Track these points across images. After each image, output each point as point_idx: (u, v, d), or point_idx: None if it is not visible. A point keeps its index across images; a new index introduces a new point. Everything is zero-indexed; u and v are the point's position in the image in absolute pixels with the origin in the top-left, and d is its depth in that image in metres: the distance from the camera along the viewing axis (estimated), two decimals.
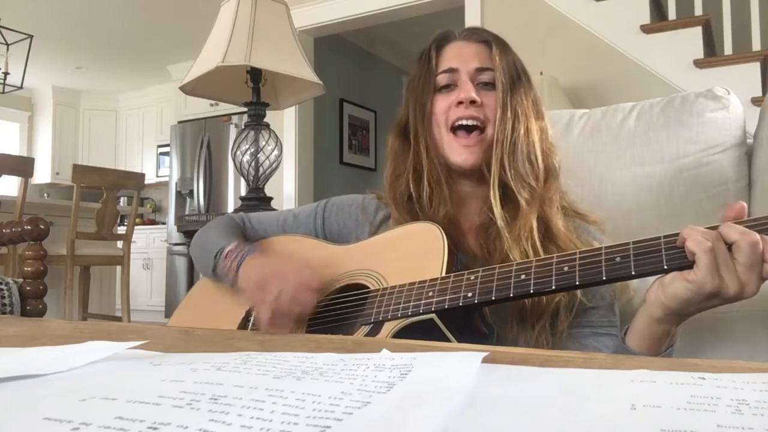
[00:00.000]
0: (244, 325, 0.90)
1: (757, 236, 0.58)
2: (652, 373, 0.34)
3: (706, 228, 0.61)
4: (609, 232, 0.89)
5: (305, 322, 0.83)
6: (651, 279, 0.66)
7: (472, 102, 0.85)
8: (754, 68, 2.52)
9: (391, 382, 0.31)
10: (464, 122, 0.86)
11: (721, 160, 1.14)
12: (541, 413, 0.27)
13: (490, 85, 0.88)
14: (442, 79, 0.89)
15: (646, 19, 2.79)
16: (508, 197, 0.85)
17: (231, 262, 0.88)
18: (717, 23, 2.76)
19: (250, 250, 0.89)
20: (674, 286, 0.61)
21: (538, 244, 0.81)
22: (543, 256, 0.71)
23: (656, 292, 0.64)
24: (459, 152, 0.86)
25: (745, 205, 0.63)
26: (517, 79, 0.88)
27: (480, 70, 0.87)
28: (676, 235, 0.62)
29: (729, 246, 0.59)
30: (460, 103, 0.86)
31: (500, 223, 0.82)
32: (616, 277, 0.64)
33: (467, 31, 0.93)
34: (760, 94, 2.40)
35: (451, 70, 0.88)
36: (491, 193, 0.84)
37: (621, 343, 0.71)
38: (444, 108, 0.87)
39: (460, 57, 0.89)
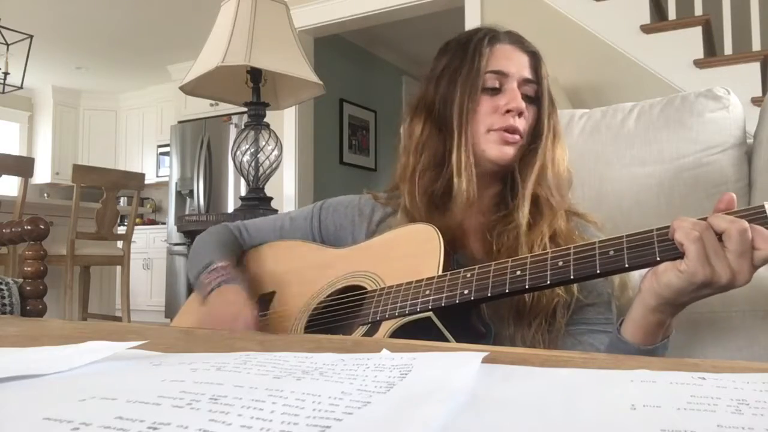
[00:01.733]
0: None
1: (746, 224, 0.59)
2: (652, 373, 0.34)
3: (697, 219, 0.62)
4: (609, 231, 0.89)
5: (309, 309, 0.85)
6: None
7: (519, 114, 0.85)
8: (754, 68, 2.52)
9: (391, 382, 0.31)
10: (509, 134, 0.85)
11: (721, 160, 1.14)
12: (541, 413, 0.27)
13: (531, 99, 0.87)
14: (490, 79, 0.86)
15: (646, 19, 2.79)
16: (531, 203, 0.86)
17: (212, 280, 0.89)
18: (717, 23, 2.76)
19: (230, 280, 0.88)
20: (667, 275, 0.62)
21: (548, 247, 0.81)
22: (538, 252, 0.71)
23: (650, 281, 0.65)
24: (500, 147, 0.85)
25: (734, 196, 0.64)
26: (553, 98, 0.90)
27: (528, 81, 0.87)
28: (668, 227, 0.63)
29: (719, 235, 0.60)
30: (508, 111, 0.84)
31: (523, 228, 0.82)
32: (610, 270, 0.65)
33: (516, 36, 0.91)
34: (760, 94, 2.40)
35: (502, 73, 0.86)
36: (523, 198, 0.84)
37: (616, 333, 0.71)
38: (489, 110, 0.85)
39: (510, 61, 0.87)
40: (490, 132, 0.85)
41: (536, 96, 0.87)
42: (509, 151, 0.85)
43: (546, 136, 0.86)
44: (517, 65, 0.87)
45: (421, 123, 0.89)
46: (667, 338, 0.70)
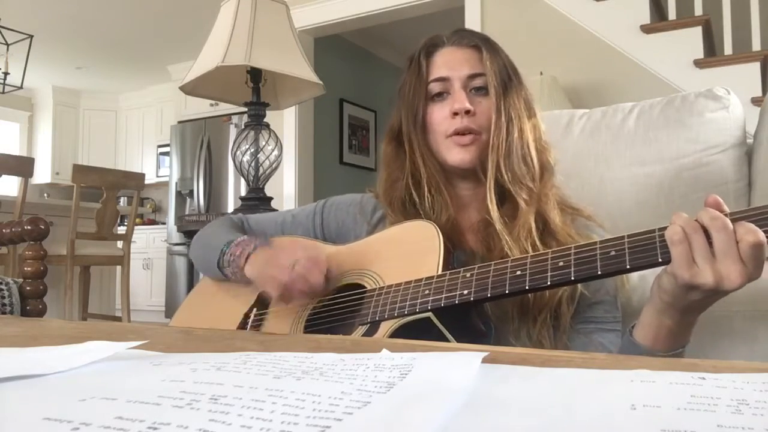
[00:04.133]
0: (242, 326, 0.90)
1: (727, 221, 0.57)
2: (652, 373, 0.34)
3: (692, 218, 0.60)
4: (608, 231, 0.89)
5: (313, 302, 0.84)
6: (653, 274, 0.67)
7: (467, 112, 0.85)
8: (754, 68, 2.52)
9: (391, 382, 0.31)
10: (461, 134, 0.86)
11: (721, 160, 1.14)
12: (541, 413, 0.27)
13: (483, 90, 0.87)
14: (434, 87, 0.88)
15: (646, 19, 2.79)
16: (505, 197, 0.86)
17: (241, 250, 0.90)
18: (717, 23, 2.76)
19: (261, 243, 0.91)
20: (663, 278, 0.63)
21: (537, 242, 0.81)
22: (538, 252, 0.71)
23: (655, 284, 0.65)
24: (456, 152, 0.86)
25: (718, 197, 0.62)
26: (508, 80, 0.88)
27: (472, 76, 0.87)
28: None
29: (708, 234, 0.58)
30: (456, 113, 0.86)
31: (499, 226, 0.82)
32: (611, 271, 0.64)
33: (456, 35, 0.92)
34: (760, 94, 2.40)
35: (443, 79, 0.88)
36: (488, 196, 0.85)
37: (628, 336, 0.71)
38: (439, 118, 0.88)
39: (450, 64, 0.88)
40: (447, 138, 0.87)
41: (486, 87, 0.87)
42: (466, 155, 0.86)
43: (496, 125, 0.85)
44: (457, 65, 0.88)
45: (386, 141, 0.95)
46: (683, 348, 0.68)
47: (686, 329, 0.67)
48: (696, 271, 0.58)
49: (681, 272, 0.59)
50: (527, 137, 0.87)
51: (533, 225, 0.82)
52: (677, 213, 0.61)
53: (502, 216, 0.83)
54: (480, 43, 0.89)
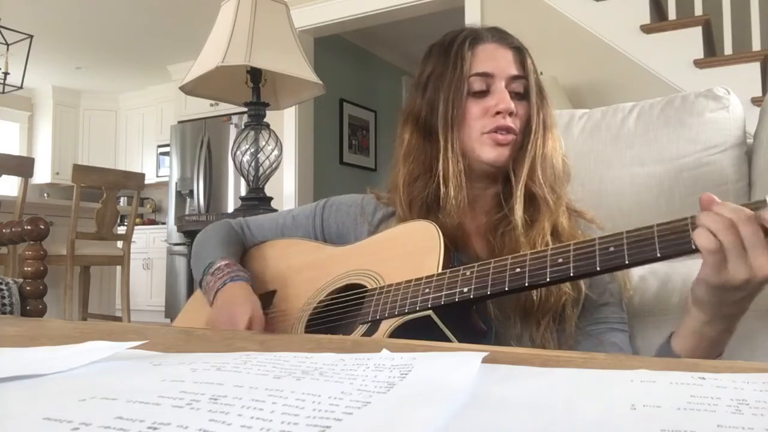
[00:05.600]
0: None
1: (749, 212, 0.58)
2: (652, 373, 0.34)
3: (718, 214, 0.59)
4: (608, 231, 0.89)
5: (314, 303, 0.85)
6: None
7: (510, 113, 0.83)
8: (754, 68, 2.52)
9: (391, 382, 0.31)
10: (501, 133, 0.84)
11: (721, 160, 1.14)
12: (541, 413, 0.27)
13: (521, 95, 0.86)
14: (475, 82, 0.84)
15: (646, 19, 2.79)
16: (526, 201, 0.85)
17: (215, 282, 0.88)
18: (717, 23, 2.76)
19: (234, 278, 0.88)
20: (696, 292, 0.63)
21: (550, 244, 0.81)
22: (538, 249, 0.71)
23: (691, 300, 0.66)
24: (492, 149, 0.84)
25: (712, 195, 0.62)
26: (543, 89, 0.88)
27: (515, 77, 0.85)
28: (668, 223, 0.62)
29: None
30: (498, 113, 0.83)
31: (519, 228, 0.82)
32: (610, 267, 0.64)
33: (498, 33, 0.89)
34: (760, 94, 2.40)
35: (487, 75, 0.84)
36: (516, 198, 0.83)
37: (666, 344, 0.71)
38: (478, 114, 0.84)
39: (495, 61, 0.85)
40: (483, 135, 0.84)
41: (525, 91, 0.86)
42: (504, 152, 0.84)
43: (536, 131, 0.84)
44: (502, 63, 0.85)
45: (409, 131, 0.89)
46: (720, 355, 0.69)
47: (728, 338, 0.68)
48: (730, 271, 0.58)
49: (715, 277, 0.59)
50: (557, 146, 0.88)
51: (548, 229, 0.82)
52: (707, 215, 0.60)
53: (525, 218, 0.83)
54: (522, 46, 0.88)
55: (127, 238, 3.45)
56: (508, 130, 0.83)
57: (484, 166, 0.85)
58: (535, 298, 0.77)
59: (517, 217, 0.82)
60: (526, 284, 0.67)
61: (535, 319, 0.78)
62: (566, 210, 0.87)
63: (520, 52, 0.87)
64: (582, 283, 0.79)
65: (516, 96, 0.85)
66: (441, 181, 0.84)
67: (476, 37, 0.87)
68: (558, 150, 0.88)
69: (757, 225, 0.57)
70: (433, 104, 0.86)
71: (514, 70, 0.85)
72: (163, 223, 5.94)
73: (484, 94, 0.84)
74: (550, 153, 0.86)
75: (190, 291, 2.53)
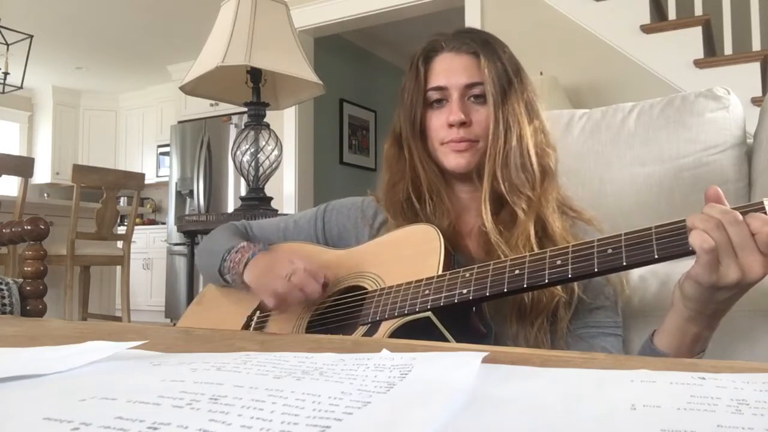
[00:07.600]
0: (245, 328, 0.91)
1: (738, 215, 0.58)
2: (652, 373, 0.34)
3: (709, 214, 0.59)
4: (608, 231, 0.89)
5: (311, 310, 0.84)
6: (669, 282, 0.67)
7: (462, 123, 0.85)
8: (754, 68, 2.52)
9: (391, 382, 0.31)
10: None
11: (721, 160, 1.14)
12: (541, 413, 0.27)
13: (481, 98, 0.86)
14: (432, 95, 0.88)
15: (646, 19, 2.79)
16: (504, 202, 0.85)
17: (240, 256, 0.90)
18: (717, 23, 2.76)
19: (261, 249, 0.92)
20: (686, 287, 0.63)
21: (536, 248, 0.80)
22: (536, 251, 0.71)
23: (677, 293, 0.66)
24: (452, 157, 0.87)
25: (719, 189, 0.62)
26: (508, 86, 0.86)
27: (470, 85, 0.86)
28: (666, 225, 0.62)
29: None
30: (451, 125, 0.85)
31: (494, 236, 0.82)
32: (608, 269, 0.64)
33: (455, 40, 0.89)
34: (760, 94, 2.40)
35: (440, 88, 0.87)
36: (482, 205, 0.84)
37: (649, 343, 0.71)
38: (436, 126, 0.88)
39: (448, 72, 0.87)
40: (443, 145, 0.87)
41: (484, 95, 0.86)
42: (462, 160, 0.86)
43: (494, 134, 0.84)
44: (455, 74, 0.86)
45: (389, 141, 0.95)
46: (703, 352, 0.69)
47: (710, 334, 0.68)
48: (721, 271, 0.59)
49: (707, 276, 0.60)
50: (527, 143, 0.85)
51: (532, 232, 0.82)
52: (696, 216, 0.60)
53: (497, 224, 0.83)
54: (479, 48, 0.87)
55: (127, 238, 3.45)
56: (462, 140, 0.85)
57: (453, 173, 0.89)
58: (527, 299, 0.77)
59: (488, 227, 0.83)
60: (525, 286, 0.67)
61: (530, 321, 0.78)
62: (558, 209, 0.86)
63: (476, 56, 0.87)
64: (576, 285, 0.79)
65: (476, 100, 0.87)
66: (412, 187, 0.89)
67: (433, 48, 0.90)
68: (531, 146, 0.85)
69: (746, 227, 0.58)
70: (401, 116, 0.91)
71: (466, 79, 0.86)
72: (163, 223, 5.94)
73: (441, 103, 0.88)
74: (514, 152, 0.84)
75: (190, 291, 2.52)
